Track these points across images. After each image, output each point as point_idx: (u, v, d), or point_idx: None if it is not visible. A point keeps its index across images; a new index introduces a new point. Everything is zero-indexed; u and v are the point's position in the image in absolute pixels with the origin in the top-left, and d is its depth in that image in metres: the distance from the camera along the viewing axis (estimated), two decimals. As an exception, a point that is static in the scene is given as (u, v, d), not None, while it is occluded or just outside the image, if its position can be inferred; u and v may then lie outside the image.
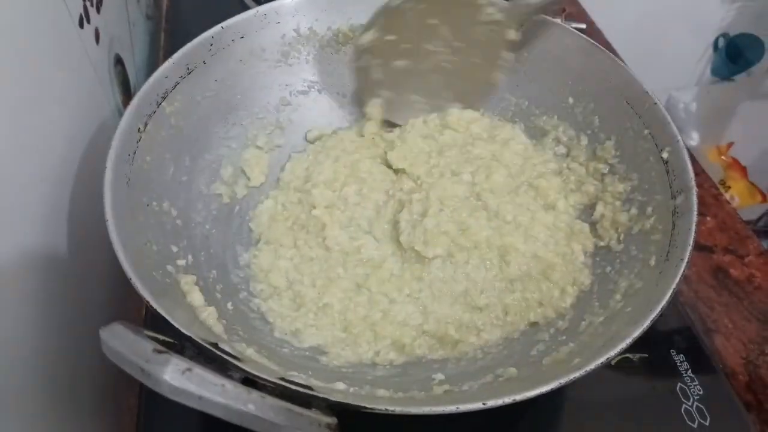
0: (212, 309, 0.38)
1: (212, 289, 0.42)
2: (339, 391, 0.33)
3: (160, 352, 0.24)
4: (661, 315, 0.32)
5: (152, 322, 0.42)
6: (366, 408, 0.28)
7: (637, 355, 0.44)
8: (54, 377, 0.36)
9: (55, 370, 0.37)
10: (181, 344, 0.28)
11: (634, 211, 0.43)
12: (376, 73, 0.52)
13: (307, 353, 0.41)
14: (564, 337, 0.38)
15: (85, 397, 0.42)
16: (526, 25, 0.49)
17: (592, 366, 0.30)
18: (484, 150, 0.50)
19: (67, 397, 0.38)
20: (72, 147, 0.41)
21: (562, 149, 0.50)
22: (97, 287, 0.45)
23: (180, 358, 0.23)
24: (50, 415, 0.36)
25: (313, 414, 0.25)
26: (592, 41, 0.48)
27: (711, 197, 0.60)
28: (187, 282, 0.39)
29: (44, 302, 0.36)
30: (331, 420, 0.25)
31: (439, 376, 0.37)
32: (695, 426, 0.41)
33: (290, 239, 0.48)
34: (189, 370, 0.23)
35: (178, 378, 0.23)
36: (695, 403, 0.42)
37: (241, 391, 0.23)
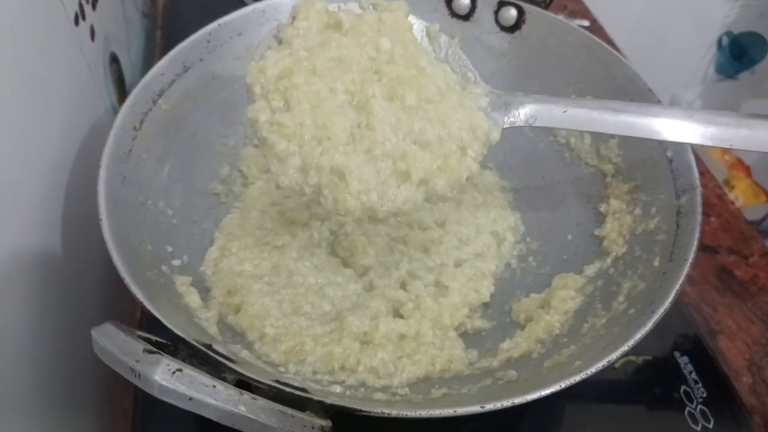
0: (211, 312, 0.38)
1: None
2: (335, 393, 0.33)
3: (150, 352, 0.23)
4: (665, 316, 0.32)
5: (148, 323, 0.42)
6: (362, 411, 0.27)
7: (641, 357, 0.44)
8: (48, 379, 0.36)
9: (50, 372, 0.36)
10: (174, 345, 0.27)
11: (638, 211, 0.42)
12: None
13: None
14: (565, 340, 0.37)
15: (80, 398, 0.41)
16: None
17: (593, 369, 0.30)
18: None
19: (61, 398, 0.38)
20: (66, 145, 0.41)
21: (565, 149, 0.50)
22: (92, 287, 0.44)
23: (171, 358, 0.23)
24: (45, 416, 0.36)
25: (307, 416, 0.24)
26: (596, 38, 0.47)
27: (715, 197, 0.59)
28: (183, 283, 0.39)
29: (38, 303, 0.35)
30: (325, 423, 0.25)
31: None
32: (699, 429, 0.40)
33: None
34: (179, 370, 0.22)
35: (168, 378, 0.22)
36: (699, 405, 0.41)
37: (233, 392, 0.23)
